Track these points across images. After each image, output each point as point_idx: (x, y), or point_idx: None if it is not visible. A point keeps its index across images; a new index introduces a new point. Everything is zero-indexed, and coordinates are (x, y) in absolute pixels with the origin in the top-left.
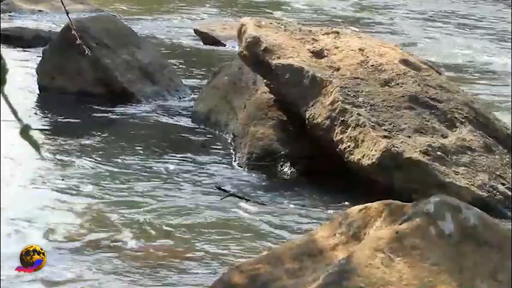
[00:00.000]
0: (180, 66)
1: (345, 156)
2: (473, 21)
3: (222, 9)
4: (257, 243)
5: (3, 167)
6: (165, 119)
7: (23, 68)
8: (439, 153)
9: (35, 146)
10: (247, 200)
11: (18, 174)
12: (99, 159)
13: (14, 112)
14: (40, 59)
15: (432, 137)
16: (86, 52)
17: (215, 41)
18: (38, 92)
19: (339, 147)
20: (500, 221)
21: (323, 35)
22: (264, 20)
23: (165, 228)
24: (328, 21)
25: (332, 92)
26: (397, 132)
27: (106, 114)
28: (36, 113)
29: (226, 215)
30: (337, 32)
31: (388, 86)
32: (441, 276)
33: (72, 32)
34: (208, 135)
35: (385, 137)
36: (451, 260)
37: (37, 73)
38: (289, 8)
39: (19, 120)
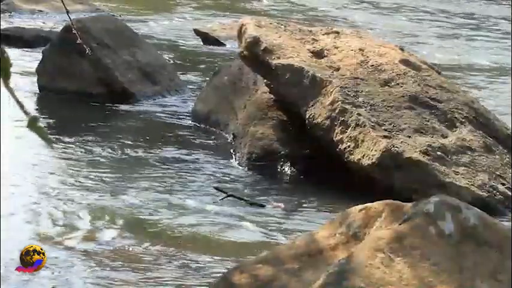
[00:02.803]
0: (180, 66)
1: (345, 156)
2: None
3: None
4: (257, 243)
5: (3, 167)
6: (165, 119)
7: (23, 68)
8: (439, 153)
9: (44, 136)
10: (246, 201)
11: (17, 174)
12: (99, 158)
13: (21, 105)
14: (40, 59)
15: (432, 137)
16: (87, 51)
17: (215, 41)
18: (38, 92)
19: (339, 147)
20: (500, 220)
21: (323, 35)
22: (264, 20)
23: (163, 228)
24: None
25: (332, 92)
26: (397, 132)
27: (106, 114)
28: (36, 113)
29: (225, 215)
30: (337, 32)
31: (388, 86)
32: (441, 276)
33: (73, 31)
34: (208, 135)
35: (385, 137)
36: (451, 260)
37: (37, 73)
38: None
39: (26, 112)
